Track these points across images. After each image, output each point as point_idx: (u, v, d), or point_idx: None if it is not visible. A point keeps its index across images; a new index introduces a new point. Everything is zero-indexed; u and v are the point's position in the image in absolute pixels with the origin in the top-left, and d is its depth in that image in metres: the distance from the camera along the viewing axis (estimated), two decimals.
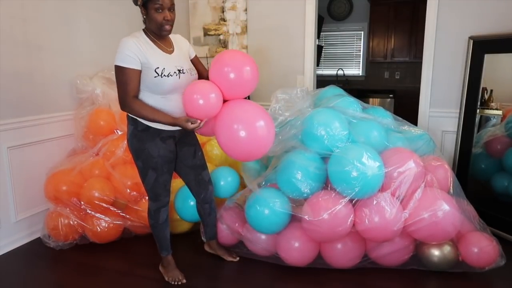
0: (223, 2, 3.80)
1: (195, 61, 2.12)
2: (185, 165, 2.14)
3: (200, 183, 2.19)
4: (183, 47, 2.04)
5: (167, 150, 2.00)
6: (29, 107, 2.65)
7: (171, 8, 1.86)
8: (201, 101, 1.80)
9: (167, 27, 1.85)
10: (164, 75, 1.83)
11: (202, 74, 2.11)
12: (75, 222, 2.56)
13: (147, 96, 1.89)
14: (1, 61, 2.46)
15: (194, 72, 2.02)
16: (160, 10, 1.82)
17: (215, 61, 1.91)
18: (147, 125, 1.92)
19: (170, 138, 2.01)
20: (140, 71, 1.82)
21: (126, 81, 1.80)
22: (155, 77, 1.82)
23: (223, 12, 3.82)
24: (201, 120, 1.86)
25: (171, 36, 1.99)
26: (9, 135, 2.54)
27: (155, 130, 1.94)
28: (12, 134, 2.55)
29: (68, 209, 2.59)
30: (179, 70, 1.89)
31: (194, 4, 3.93)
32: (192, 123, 1.83)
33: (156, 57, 1.84)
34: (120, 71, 1.80)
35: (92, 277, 2.29)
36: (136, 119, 1.94)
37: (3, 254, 2.55)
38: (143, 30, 1.90)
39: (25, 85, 2.62)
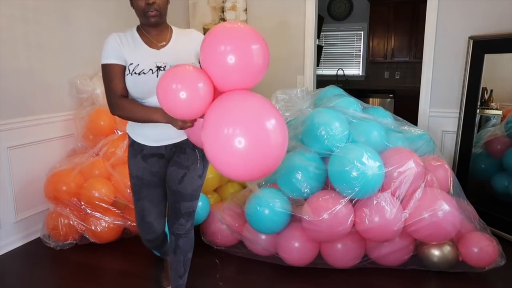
0: (223, 2, 3.80)
1: None
2: (168, 187, 1.73)
3: (173, 211, 1.76)
4: (188, 43, 1.66)
5: (147, 171, 1.68)
6: (29, 107, 2.65)
7: None
8: (182, 94, 1.28)
9: (152, 12, 1.53)
10: (135, 72, 1.54)
11: None
12: (75, 222, 2.56)
13: None
14: (1, 61, 2.45)
15: None
16: None
17: (207, 38, 1.31)
18: (133, 139, 1.68)
19: (154, 156, 1.67)
20: (124, 67, 1.57)
21: (109, 79, 1.57)
22: (127, 74, 1.56)
23: (223, 12, 3.82)
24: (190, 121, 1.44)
25: (177, 30, 1.69)
26: (9, 135, 2.53)
27: (138, 146, 1.67)
28: (12, 134, 2.55)
29: (68, 209, 2.59)
30: (158, 67, 1.55)
31: (194, 4, 3.93)
32: (184, 123, 1.44)
33: (134, 52, 1.57)
34: (103, 69, 1.59)
35: (92, 277, 2.29)
36: (127, 131, 1.73)
37: (3, 254, 2.55)
38: (138, 25, 1.66)
39: (25, 85, 2.62)
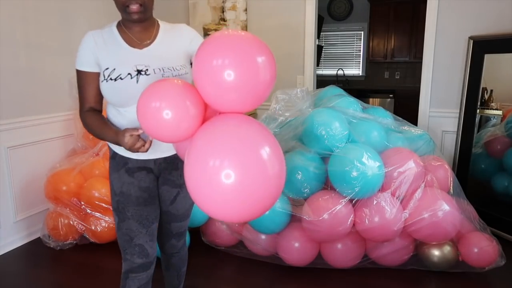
0: (223, 2, 3.80)
1: None
2: (161, 207, 1.55)
3: (163, 231, 1.60)
4: (176, 41, 1.42)
5: (135, 187, 1.42)
6: (29, 107, 2.65)
7: None
8: (166, 114, 1.08)
9: (134, 7, 1.30)
10: (111, 78, 1.31)
11: None
12: (75, 222, 2.56)
13: (110, 110, 1.43)
14: (1, 61, 2.45)
15: (181, 73, 1.38)
16: None
17: (201, 48, 1.06)
18: (114, 151, 1.46)
19: (142, 170, 1.43)
20: (97, 74, 1.36)
21: (80, 87, 1.39)
22: (102, 81, 1.33)
23: (223, 12, 3.82)
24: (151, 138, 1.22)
25: (166, 25, 1.44)
26: (9, 135, 2.53)
27: (120, 158, 1.44)
28: (12, 134, 2.55)
29: (68, 209, 2.59)
30: (138, 71, 1.31)
31: (194, 4, 3.93)
32: (129, 137, 1.23)
33: (111, 54, 1.34)
34: (77, 75, 1.38)
35: (92, 277, 2.29)
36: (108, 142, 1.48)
37: (3, 254, 2.55)
38: (119, 21, 1.42)
39: (25, 85, 2.62)
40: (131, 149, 1.24)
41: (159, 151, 1.43)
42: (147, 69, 1.32)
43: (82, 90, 1.38)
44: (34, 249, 2.62)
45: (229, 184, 0.95)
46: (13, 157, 2.57)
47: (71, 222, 2.56)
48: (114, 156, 1.46)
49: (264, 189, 1.00)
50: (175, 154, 1.45)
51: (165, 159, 1.46)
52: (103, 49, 1.34)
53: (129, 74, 1.31)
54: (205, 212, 1.06)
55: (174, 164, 1.48)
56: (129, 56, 1.34)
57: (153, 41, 1.38)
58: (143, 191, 1.44)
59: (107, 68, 1.32)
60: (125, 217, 1.43)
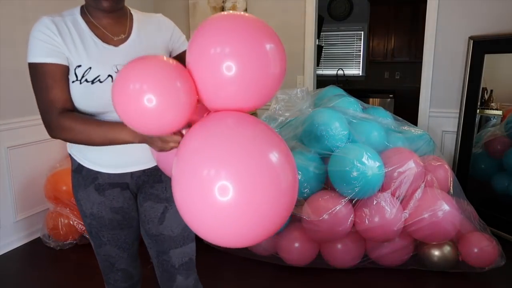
0: (223, 2, 3.80)
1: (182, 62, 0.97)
2: (146, 231, 1.25)
3: (163, 269, 1.26)
4: (156, 35, 1.18)
5: (106, 208, 1.18)
6: (29, 107, 2.65)
7: None
8: (147, 100, 0.83)
9: None
10: (87, 80, 1.05)
11: None
12: (75, 222, 2.56)
13: None
14: (1, 61, 2.46)
15: None
16: None
17: (198, 31, 0.89)
18: (78, 163, 1.19)
19: (115, 187, 1.18)
20: (66, 68, 1.06)
21: (43, 85, 1.05)
22: (73, 81, 1.06)
23: (223, 12, 3.82)
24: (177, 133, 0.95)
25: (138, 15, 1.19)
26: (9, 135, 2.53)
27: (88, 172, 1.17)
28: (12, 134, 2.55)
29: (68, 209, 2.59)
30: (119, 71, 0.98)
31: (194, 4, 3.93)
32: (165, 142, 0.94)
33: (81, 50, 1.06)
34: (33, 71, 1.06)
35: (92, 277, 2.29)
36: (70, 152, 1.24)
37: (3, 254, 2.54)
38: (82, 6, 1.13)
39: (25, 85, 2.59)
40: (163, 148, 0.95)
41: (137, 163, 1.17)
42: None
43: (49, 88, 1.04)
44: (34, 249, 2.62)
45: (226, 201, 0.75)
46: (13, 157, 2.57)
47: (71, 222, 2.56)
48: (79, 169, 1.19)
49: (274, 206, 0.79)
50: (156, 165, 1.16)
51: (144, 171, 1.20)
52: (69, 40, 1.06)
53: (109, 76, 1.07)
54: (197, 233, 0.85)
55: (156, 177, 1.22)
56: (105, 54, 1.09)
57: (128, 35, 1.13)
58: (115, 213, 1.19)
59: (79, 66, 1.06)
60: (101, 242, 1.22)
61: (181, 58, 1.12)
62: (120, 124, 0.98)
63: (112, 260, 1.24)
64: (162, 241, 1.23)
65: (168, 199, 1.22)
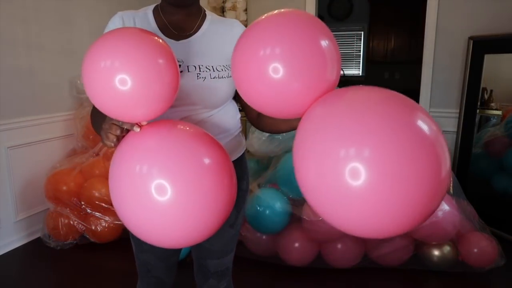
0: (223, 2, 3.80)
1: None
2: None
3: (200, 268, 1.33)
4: (224, 37, 1.11)
5: None
6: (29, 107, 2.65)
7: None
8: (122, 81, 0.73)
9: None
10: None
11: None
12: (75, 222, 2.56)
13: None
14: (1, 61, 2.45)
15: (222, 75, 1.06)
16: None
17: (245, 33, 0.82)
18: None
19: None
20: None
21: None
22: None
23: (223, 12, 3.82)
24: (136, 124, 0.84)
25: (214, 17, 1.16)
26: (9, 135, 2.53)
27: None
28: (12, 134, 2.55)
29: (68, 209, 2.59)
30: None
31: None
32: (112, 130, 0.85)
33: None
34: None
35: (92, 277, 2.29)
36: None
37: (3, 254, 2.54)
38: (157, 4, 1.15)
39: (25, 85, 2.62)
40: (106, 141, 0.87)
41: None
42: (179, 65, 1.00)
43: None
44: (34, 249, 2.62)
45: (163, 200, 0.72)
46: (13, 157, 2.57)
47: (71, 222, 2.56)
48: None
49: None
50: None
51: None
52: None
53: None
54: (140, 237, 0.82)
55: None
56: None
57: (194, 32, 1.10)
58: None
59: None
60: (142, 249, 1.23)
61: None
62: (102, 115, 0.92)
63: (149, 267, 1.27)
64: (201, 251, 1.25)
65: None
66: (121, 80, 0.72)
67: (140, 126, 0.82)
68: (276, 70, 0.71)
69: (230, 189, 0.81)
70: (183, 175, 0.74)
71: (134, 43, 0.76)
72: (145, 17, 1.10)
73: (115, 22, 1.08)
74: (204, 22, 1.12)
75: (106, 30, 1.07)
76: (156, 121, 0.84)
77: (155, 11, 1.11)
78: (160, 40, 0.82)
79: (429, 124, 0.66)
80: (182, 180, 0.73)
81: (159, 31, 1.08)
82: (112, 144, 0.84)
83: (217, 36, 1.11)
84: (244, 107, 1.15)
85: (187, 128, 0.84)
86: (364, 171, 0.60)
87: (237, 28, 1.14)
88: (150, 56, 0.76)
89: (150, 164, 0.74)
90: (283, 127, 1.04)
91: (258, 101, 0.80)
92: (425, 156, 0.62)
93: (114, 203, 0.81)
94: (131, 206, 0.76)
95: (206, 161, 0.77)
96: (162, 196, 0.72)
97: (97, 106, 0.79)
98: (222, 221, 0.81)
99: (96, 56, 0.74)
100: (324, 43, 0.74)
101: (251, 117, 1.15)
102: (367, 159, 0.61)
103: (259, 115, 1.13)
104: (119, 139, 0.84)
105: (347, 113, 0.67)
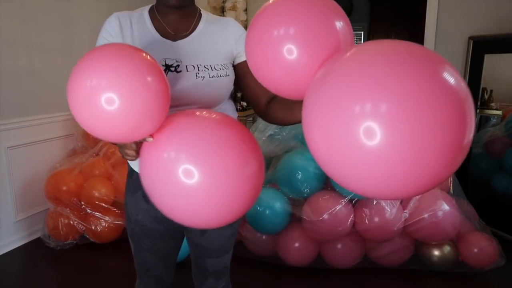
0: (223, 2, 3.80)
1: (246, 70, 1.09)
2: (189, 239, 1.29)
3: (198, 268, 1.32)
4: (220, 37, 1.13)
5: (151, 217, 1.16)
6: (29, 107, 2.65)
7: None
8: (109, 100, 0.74)
9: None
10: None
11: (255, 93, 1.13)
12: (75, 222, 2.56)
13: None
14: (1, 61, 2.46)
15: (221, 74, 1.08)
16: None
17: (258, 15, 0.85)
18: (131, 167, 1.17)
19: None
20: None
21: None
22: None
23: (223, 12, 3.82)
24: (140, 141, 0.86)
25: (209, 16, 1.16)
26: (9, 135, 2.53)
27: (137, 177, 1.05)
28: (12, 134, 2.55)
29: (68, 209, 2.59)
30: (167, 66, 1.03)
31: None
32: (127, 148, 0.89)
33: (136, 42, 1.08)
34: None
35: (92, 277, 2.29)
36: None
37: (3, 254, 2.54)
38: (153, 5, 1.16)
39: (25, 85, 2.62)
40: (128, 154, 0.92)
41: None
42: (178, 65, 1.03)
43: None
44: (34, 249, 2.62)
45: (191, 184, 0.76)
46: (13, 157, 2.57)
47: (71, 222, 2.56)
48: (131, 174, 1.19)
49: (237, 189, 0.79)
50: None
51: None
52: (128, 34, 1.08)
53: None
54: (171, 216, 0.90)
55: None
56: (158, 46, 1.06)
57: (190, 32, 1.10)
58: (159, 223, 1.16)
59: None
60: (141, 248, 1.23)
61: (240, 68, 1.14)
62: None
63: (148, 266, 1.26)
64: (200, 250, 1.26)
65: None
66: (109, 98, 0.74)
67: (151, 135, 0.84)
68: (290, 51, 0.71)
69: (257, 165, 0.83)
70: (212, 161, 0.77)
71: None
72: (141, 18, 1.10)
73: (111, 23, 1.08)
74: (200, 22, 1.13)
75: (102, 31, 1.09)
76: (170, 117, 0.85)
77: (151, 12, 1.12)
78: (145, 54, 0.82)
79: (458, 79, 0.59)
80: (209, 166, 0.76)
81: (155, 31, 1.08)
82: (134, 158, 0.89)
83: (213, 35, 1.12)
84: (252, 100, 1.16)
85: (213, 116, 0.86)
86: (379, 129, 0.54)
87: (233, 26, 1.15)
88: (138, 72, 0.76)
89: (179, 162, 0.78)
90: (292, 118, 1.04)
91: (273, 82, 0.80)
92: (452, 111, 0.56)
93: (146, 186, 0.86)
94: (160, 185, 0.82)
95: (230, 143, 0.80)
96: (190, 179, 0.75)
97: (105, 140, 0.82)
98: (250, 200, 0.83)
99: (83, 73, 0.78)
100: (339, 24, 0.78)
101: (260, 109, 1.14)
102: (382, 115, 0.55)
103: (268, 105, 1.12)
104: (138, 151, 0.88)
105: (352, 68, 0.62)
